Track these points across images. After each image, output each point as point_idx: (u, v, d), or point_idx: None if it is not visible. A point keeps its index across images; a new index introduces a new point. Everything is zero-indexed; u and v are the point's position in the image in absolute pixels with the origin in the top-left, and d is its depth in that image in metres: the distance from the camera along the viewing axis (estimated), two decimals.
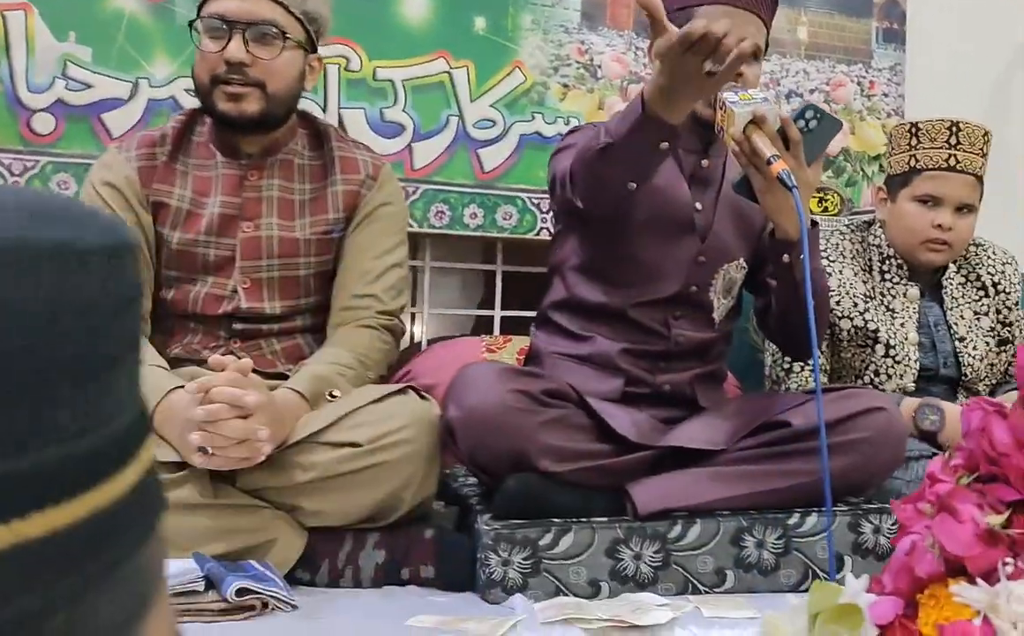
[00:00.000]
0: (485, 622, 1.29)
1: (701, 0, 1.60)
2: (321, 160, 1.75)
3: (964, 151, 1.93)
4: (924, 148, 1.95)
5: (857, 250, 2.06)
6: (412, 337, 2.40)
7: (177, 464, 1.42)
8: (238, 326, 1.69)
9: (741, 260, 1.70)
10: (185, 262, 1.67)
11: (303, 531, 1.48)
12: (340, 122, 2.17)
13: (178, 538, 1.39)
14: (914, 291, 2.02)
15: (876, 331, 1.97)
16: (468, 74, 2.26)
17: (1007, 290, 2.08)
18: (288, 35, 1.64)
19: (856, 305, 1.99)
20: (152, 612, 0.33)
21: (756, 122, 1.42)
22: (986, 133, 1.96)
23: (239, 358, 1.65)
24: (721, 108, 1.45)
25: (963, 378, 2.00)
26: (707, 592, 1.48)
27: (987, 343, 2.02)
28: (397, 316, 1.75)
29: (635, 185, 1.44)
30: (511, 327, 2.35)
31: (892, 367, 1.97)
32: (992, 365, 2.05)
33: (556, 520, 1.45)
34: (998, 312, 2.08)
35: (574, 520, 1.45)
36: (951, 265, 2.06)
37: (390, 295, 1.73)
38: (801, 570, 1.51)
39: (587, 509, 1.47)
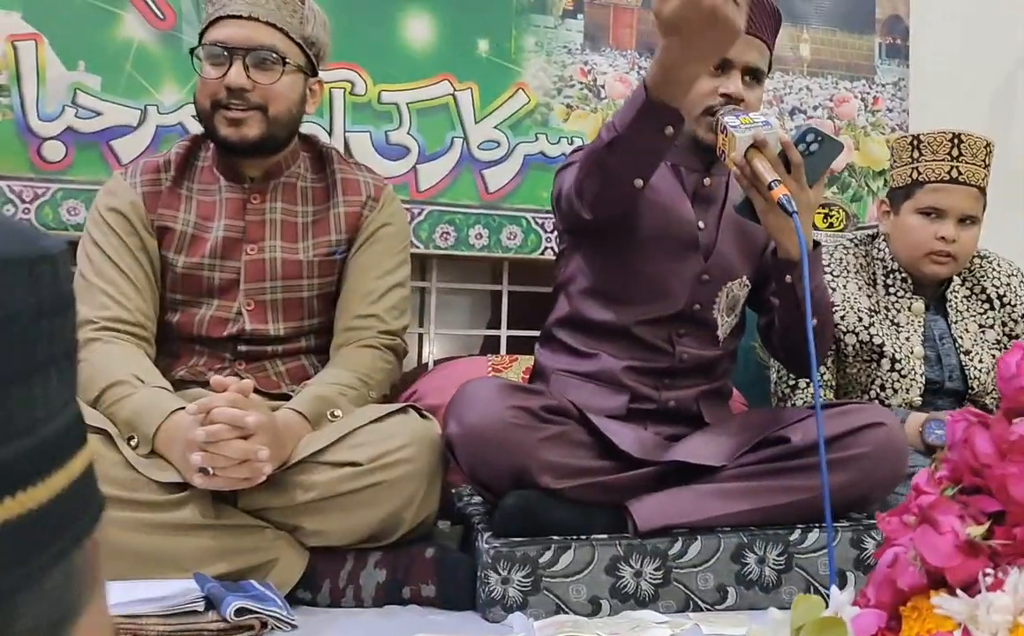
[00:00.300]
0: None
1: None
2: (323, 182, 1.77)
3: (966, 163, 1.93)
4: (926, 160, 1.95)
5: (861, 264, 2.06)
6: (420, 358, 2.41)
7: (179, 485, 1.44)
8: (243, 348, 1.70)
9: (744, 278, 1.70)
10: (190, 285, 1.69)
11: (304, 551, 1.49)
12: (346, 145, 2.19)
13: (180, 558, 1.41)
14: (919, 304, 2.01)
15: (881, 345, 1.97)
16: (472, 96, 2.28)
17: (1012, 302, 2.06)
18: (288, 60, 1.66)
19: (861, 320, 1.98)
20: (84, 618, 0.33)
21: (757, 146, 1.42)
22: (988, 145, 1.95)
23: (242, 379, 1.68)
24: (723, 132, 1.46)
25: (969, 391, 1.98)
26: (708, 609, 1.47)
27: (993, 356, 2.01)
28: (399, 336, 1.76)
29: (641, 183, 1.44)
30: (517, 347, 2.35)
31: (898, 381, 1.96)
32: None
33: (556, 538, 1.45)
34: (1004, 324, 2.07)
35: (574, 537, 1.45)
36: (955, 278, 2.05)
37: (392, 315, 1.74)
38: (803, 587, 1.50)
39: (587, 526, 1.47)
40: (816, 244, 1.56)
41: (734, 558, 1.49)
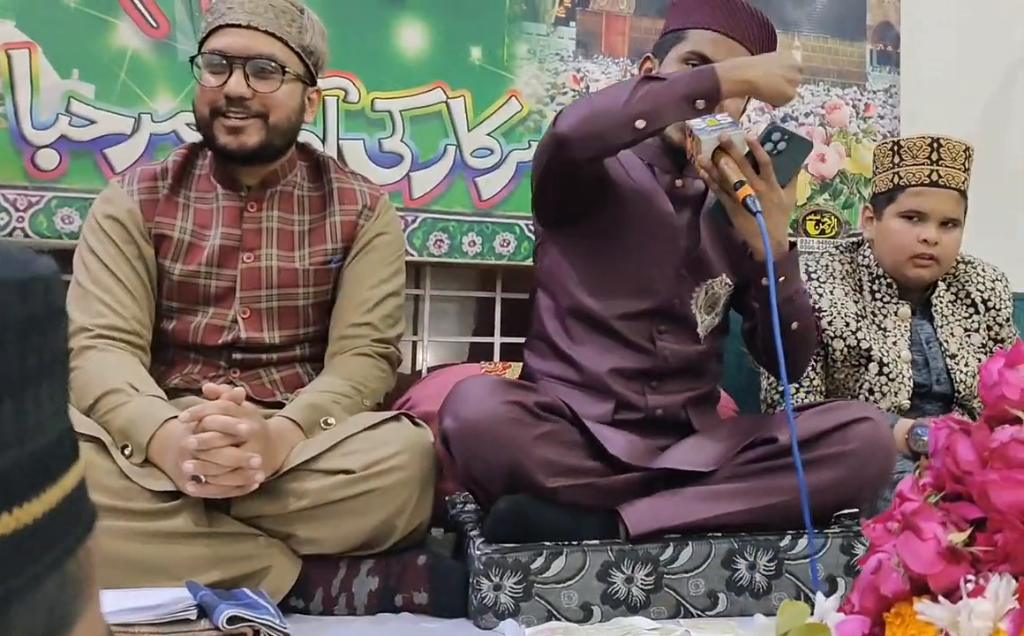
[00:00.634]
0: None
1: (695, 22, 1.64)
2: (320, 191, 1.78)
3: (946, 167, 1.95)
4: (907, 165, 1.98)
5: (847, 270, 2.07)
6: (413, 365, 2.42)
7: (172, 494, 1.44)
8: (238, 356, 1.71)
9: (724, 277, 1.71)
10: (186, 293, 1.69)
11: (297, 559, 1.49)
12: (339, 153, 2.20)
13: (173, 566, 1.41)
14: (905, 309, 2.03)
15: (869, 350, 1.98)
16: (465, 104, 2.29)
17: (997, 307, 2.08)
18: (287, 69, 1.67)
19: (848, 325, 2.00)
20: (79, 626, 0.34)
21: (723, 148, 1.44)
22: (967, 149, 1.98)
23: (235, 387, 1.68)
24: (689, 135, 1.48)
25: (956, 394, 2.00)
26: (699, 615, 1.48)
27: (979, 359, 2.03)
28: (393, 344, 1.77)
29: (644, 125, 1.45)
30: (511, 354, 2.36)
31: (886, 385, 1.98)
32: None
33: (547, 543, 1.46)
34: (989, 328, 2.08)
35: (565, 543, 1.46)
36: (940, 283, 2.07)
37: (387, 323, 1.75)
38: (793, 593, 1.51)
39: (578, 530, 1.48)
40: (792, 245, 1.57)
41: (725, 564, 1.50)
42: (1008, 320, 2.10)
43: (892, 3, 2.60)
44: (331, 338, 1.75)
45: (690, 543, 1.49)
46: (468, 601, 1.46)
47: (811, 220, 2.51)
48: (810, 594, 1.49)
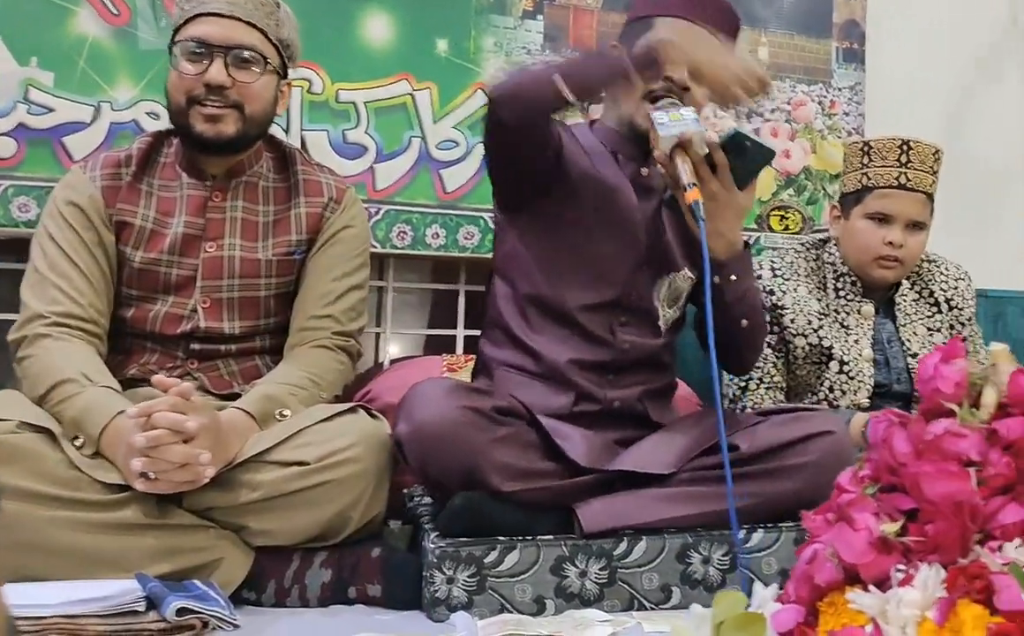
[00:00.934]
0: None
1: (661, 10, 1.64)
2: (286, 183, 1.77)
3: (915, 169, 1.96)
4: (876, 166, 1.98)
5: (811, 268, 2.08)
6: (376, 357, 2.41)
7: (122, 485, 1.43)
8: (196, 346, 1.69)
9: (686, 271, 1.70)
10: (146, 281, 1.68)
11: (250, 551, 1.48)
12: (303, 144, 2.19)
13: (123, 558, 1.40)
14: (868, 308, 2.03)
15: (830, 348, 1.99)
16: (431, 96, 2.29)
17: (960, 306, 2.09)
18: (268, 60, 1.67)
19: (811, 323, 2.00)
20: None
21: (683, 145, 1.43)
22: (936, 151, 1.98)
23: (194, 379, 1.67)
24: (652, 126, 1.48)
25: (916, 394, 2.01)
26: (652, 609, 1.48)
27: None
28: (354, 337, 1.76)
29: (567, 86, 1.43)
30: (474, 346, 2.35)
31: (846, 383, 1.99)
32: None
33: (501, 538, 1.45)
34: (951, 327, 2.10)
35: (519, 538, 1.46)
36: (904, 282, 2.08)
37: (348, 317, 1.74)
38: (747, 586, 1.51)
39: (533, 527, 1.48)
40: (746, 245, 1.57)
41: (679, 558, 1.50)
42: (971, 319, 2.12)
43: (858, 1, 2.62)
44: (291, 329, 1.74)
45: (644, 538, 1.49)
46: (422, 594, 1.46)
47: (775, 216, 2.52)
48: (776, 587, 1.50)
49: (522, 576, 1.44)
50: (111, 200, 1.67)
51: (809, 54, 2.57)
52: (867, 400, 1.99)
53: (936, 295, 2.10)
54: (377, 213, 2.24)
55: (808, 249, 2.11)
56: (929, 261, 2.12)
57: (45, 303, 1.59)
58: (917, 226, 1.99)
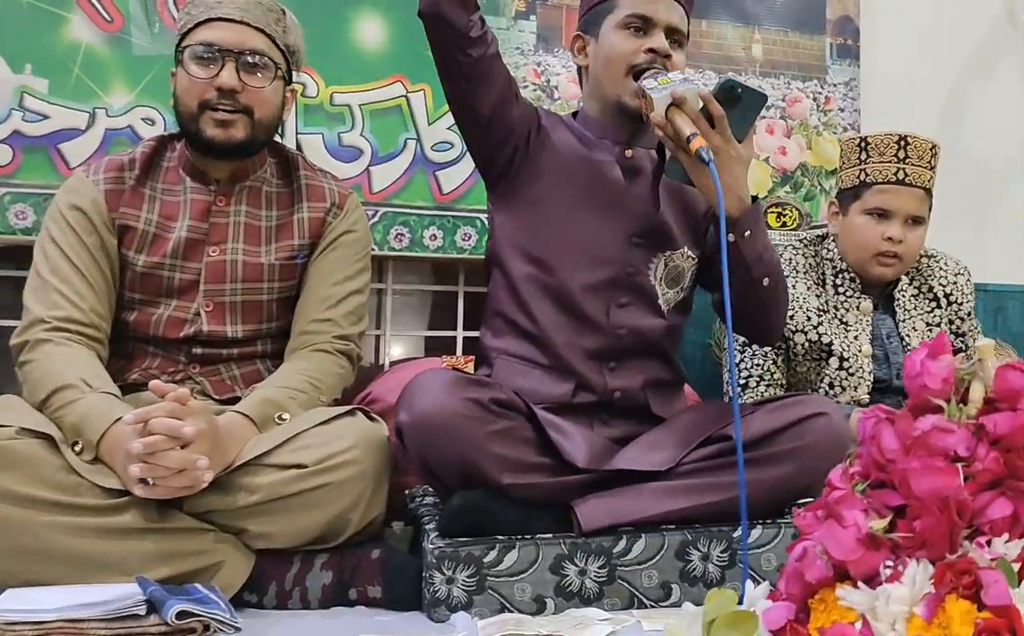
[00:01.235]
0: None
1: None
2: (289, 188, 1.78)
3: (912, 165, 1.96)
4: (873, 162, 1.98)
5: (810, 264, 2.08)
6: (376, 359, 2.41)
7: (122, 490, 1.43)
8: (198, 351, 1.70)
9: (686, 250, 1.70)
10: (149, 285, 1.69)
11: (250, 554, 1.49)
12: (298, 147, 2.19)
13: (123, 562, 1.41)
14: (867, 304, 2.04)
15: (830, 344, 1.99)
16: (425, 97, 2.29)
17: (959, 301, 2.10)
18: (278, 66, 1.69)
19: (810, 319, 2.01)
20: None
21: (677, 104, 1.44)
22: (934, 147, 1.99)
23: (196, 383, 1.68)
24: (642, 96, 1.50)
25: None
26: (653, 607, 1.48)
27: None
28: (354, 341, 1.76)
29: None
30: (474, 347, 2.36)
31: (846, 379, 1.99)
32: None
33: (500, 537, 1.46)
34: (950, 322, 2.10)
35: (518, 537, 1.46)
36: (903, 277, 2.09)
37: (349, 321, 1.75)
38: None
39: (532, 525, 1.48)
40: (755, 199, 1.56)
41: (678, 555, 1.50)
42: (970, 313, 2.12)
43: None
44: (292, 333, 1.75)
45: (643, 535, 1.50)
46: (422, 594, 1.46)
47: (772, 212, 2.52)
48: (768, 585, 1.50)
49: (521, 575, 1.45)
50: (114, 204, 1.68)
51: (803, 50, 2.57)
52: (867, 396, 1.99)
53: (935, 290, 2.10)
54: (374, 216, 2.25)
55: (806, 246, 2.12)
56: (928, 256, 2.13)
57: (47, 308, 1.60)
58: (916, 221, 1.99)
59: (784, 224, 2.53)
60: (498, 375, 1.64)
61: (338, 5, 2.25)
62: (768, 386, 2.01)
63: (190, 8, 1.71)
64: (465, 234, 2.31)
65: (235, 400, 1.65)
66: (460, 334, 2.44)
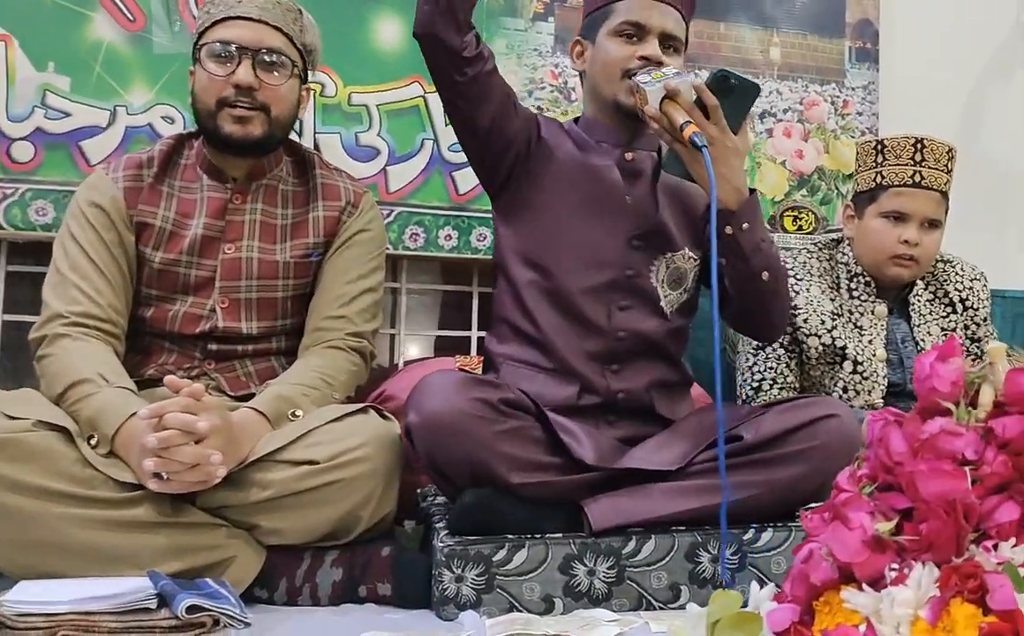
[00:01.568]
0: None
1: None
2: (304, 187, 1.80)
3: (929, 168, 1.95)
4: (890, 165, 1.97)
5: (825, 268, 2.07)
6: (391, 358, 2.42)
7: (136, 484, 1.45)
8: (213, 347, 1.72)
9: (687, 251, 1.70)
10: (166, 281, 1.70)
11: (261, 549, 1.50)
12: (316, 146, 2.21)
13: (135, 556, 1.42)
14: (882, 308, 2.03)
15: (844, 348, 1.98)
16: None
17: (975, 306, 2.08)
18: (295, 64, 1.71)
19: (824, 323, 2.00)
20: None
21: (671, 96, 1.45)
22: (950, 150, 1.97)
23: (211, 379, 1.69)
24: (637, 92, 1.51)
25: None
26: (661, 608, 1.48)
27: None
28: (367, 338, 1.77)
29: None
30: None
31: (860, 383, 1.98)
32: None
33: (510, 536, 1.46)
34: (966, 328, 2.08)
35: (528, 536, 1.46)
36: (919, 282, 2.07)
37: (362, 318, 1.76)
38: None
39: (541, 525, 1.48)
40: (752, 191, 1.56)
41: (688, 557, 1.50)
42: (985, 319, 2.10)
43: (871, 1, 2.60)
44: (306, 330, 1.76)
45: (653, 536, 1.50)
46: (431, 592, 1.47)
47: (789, 216, 2.51)
48: (774, 587, 1.50)
49: (530, 575, 1.45)
50: (132, 201, 1.70)
51: (822, 54, 2.56)
52: (881, 400, 1.98)
53: (951, 295, 2.08)
54: (390, 215, 2.25)
55: (821, 249, 2.11)
56: (944, 261, 2.11)
57: (65, 303, 1.62)
58: (932, 224, 1.98)
59: (800, 228, 2.52)
60: (504, 379, 1.65)
61: (357, 6, 2.26)
62: (781, 389, 2.01)
63: (208, 7, 1.73)
64: (480, 235, 2.32)
65: (250, 396, 1.66)
66: (475, 334, 2.44)
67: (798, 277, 2.03)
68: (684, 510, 1.52)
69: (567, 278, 1.65)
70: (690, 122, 1.44)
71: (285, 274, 1.74)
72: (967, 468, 0.76)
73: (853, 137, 2.54)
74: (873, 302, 2.03)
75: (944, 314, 2.08)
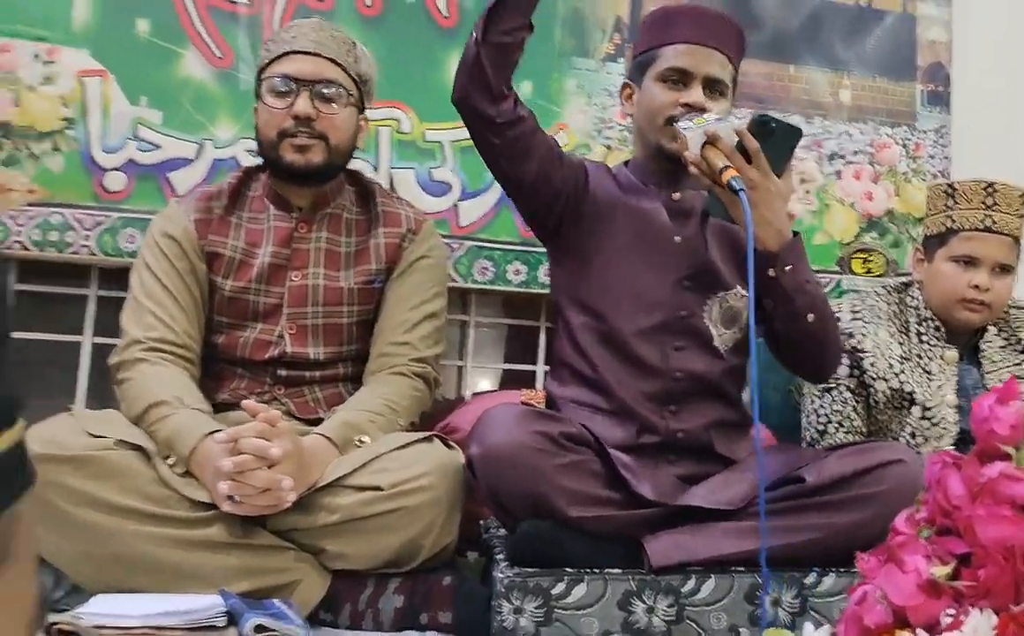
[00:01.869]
0: None
1: (666, 40, 1.69)
2: (367, 215, 1.86)
3: (1001, 212, 1.92)
4: (960, 209, 1.95)
5: (894, 312, 2.05)
6: (458, 390, 2.46)
7: (210, 504, 1.50)
8: (282, 372, 1.77)
9: (739, 289, 1.70)
10: (236, 309, 1.77)
11: (327, 573, 1.54)
12: (391, 181, 2.27)
13: (206, 574, 1.47)
14: (952, 353, 2.00)
15: (912, 393, 1.96)
16: None
17: None
18: (351, 93, 1.78)
19: (892, 367, 1.97)
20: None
21: (711, 141, 1.47)
22: (1023, 194, 1.94)
23: (281, 404, 1.74)
24: (679, 136, 1.53)
25: None
26: None
27: None
28: (431, 364, 1.81)
29: (480, 32, 1.55)
30: None
31: (929, 429, 1.95)
32: None
33: (569, 570, 1.47)
34: None
35: (587, 570, 1.47)
36: (991, 328, 2.04)
37: (425, 344, 1.80)
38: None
39: (600, 560, 1.49)
40: (795, 234, 1.56)
41: (748, 598, 1.49)
42: None
43: (943, 44, 2.59)
44: (371, 356, 1.81)
45: (713, 576, 1.49)
46: (491, 623, 1.49)
47: (858, 259, 2.49)
48: (829, 628, 1.48)
49: (589, 609, 1.46)
50: (203, 232, 1.77)
51: (892, 97, 2.55)
52: (951, 446, 1.94)
53: None
54: (460, 249, 2.30)
55: (890, 292, 2.08)
56: (1017, 308, 2.07)
57: (142, 329, 1.69)
58: (1004, 269, 1.95)
59: (869, 270, 2.50)
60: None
61: (432, 44, 2.33)
62: (847, 433, 1.98)
63: (269, 44, 1.82)
64: (548, 271, 2.34)
65: (318, 421, 1.70)
66: (541, 368, 2.46)
67: (866, 320, 2.01)
68: (745, 550, 1.51)
69: (620, 321, 1.67)
70: (729, 166, 1.45)
71: (350, 300, 1.79)
72: None
73: (924, 180, 2.52)
74: (943, 347, 2.00)
75: (1017, 362, 2.04)
